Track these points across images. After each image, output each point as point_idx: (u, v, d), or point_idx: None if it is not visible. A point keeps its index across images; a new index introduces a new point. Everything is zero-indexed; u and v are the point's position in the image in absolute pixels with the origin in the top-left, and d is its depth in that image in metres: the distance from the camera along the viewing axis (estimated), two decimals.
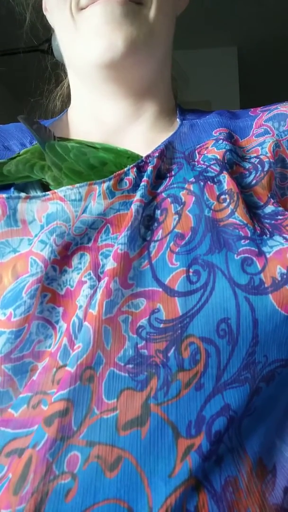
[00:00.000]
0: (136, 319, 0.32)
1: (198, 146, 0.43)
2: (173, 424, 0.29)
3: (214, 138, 0.43)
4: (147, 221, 0.36)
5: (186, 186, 0.38)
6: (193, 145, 0.43)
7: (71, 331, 0.32)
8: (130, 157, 0.40)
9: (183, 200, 0.37)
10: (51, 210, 0.36)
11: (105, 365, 0.30)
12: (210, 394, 0.30)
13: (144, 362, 0.30)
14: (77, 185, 0.37)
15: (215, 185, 0.37)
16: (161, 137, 0.45)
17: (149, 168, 0.39)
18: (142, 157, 0.40)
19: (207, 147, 0.42)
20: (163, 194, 0.37)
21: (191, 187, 0.37)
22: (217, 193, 0.37)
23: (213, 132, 0.44)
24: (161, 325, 0.31)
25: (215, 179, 0.38)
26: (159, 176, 0.39)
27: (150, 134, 0.46)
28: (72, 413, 0.29)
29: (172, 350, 0.30)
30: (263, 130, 0.43)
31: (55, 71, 0.56)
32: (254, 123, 0.45)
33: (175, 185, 0.38)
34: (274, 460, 0.32)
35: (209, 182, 0.38)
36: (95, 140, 0.44)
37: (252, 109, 0.48)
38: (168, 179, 0.39)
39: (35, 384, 0.31)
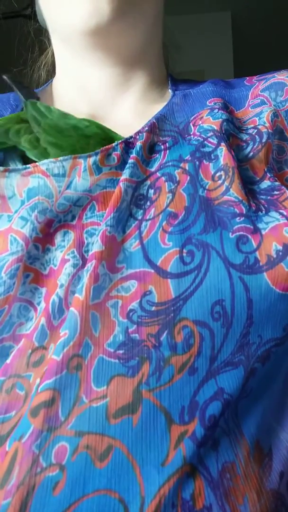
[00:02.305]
0: (127, 303, 0.30)
1: (192, 117, 0.40)
2: (166, 411, 0.28)
3: (209, 107, 0.41)
4: (139, 200, 0.34)
5: (181, 165, 0.36)
6: (187, 117, 0.41)
7: (50, 310, 0.31)
8: (111, 130, 0.38)
9: (177, 179, 0.35)
10: (32, 185, 0.34)
11: (94, 352, 0.29)
12: (203, 378, 0.29)
13: (135, 347, 0.29)
14: (61, 158, 0.35)
15: (211, 163, 0.36)
16: (152, 109, 0.43)
17: (138, 144, 0.36)
18: (122, 137, 0.38)
19: (202, 117, 0.40)
20: (157, 173, 0.36)
21: (186, 166, 0.36)
22: (212, 172, 0.35)
23: (207, 102, 0.42)
24: (153, 308, 0.30)
25: (212, 155, 0.36)
26: (152, 150, 0.37)
27: (141, 106, 0.44)
28: (59, 403, 0.28)
29: (164, 334, 0.29)
30: (259, 100, 0.41)
31: (38, 38, 0.52)
32: (250, 93, 0.43)
33: (170, 163, 0.36)
34: (270, 442, 0.31)
35: (204, 161, 0.36)
36: (81, 113, 0.42)
37: (247, 78, 0.45)
38: (162, 153, 0.37)
39: (9, 367, 0.30)
